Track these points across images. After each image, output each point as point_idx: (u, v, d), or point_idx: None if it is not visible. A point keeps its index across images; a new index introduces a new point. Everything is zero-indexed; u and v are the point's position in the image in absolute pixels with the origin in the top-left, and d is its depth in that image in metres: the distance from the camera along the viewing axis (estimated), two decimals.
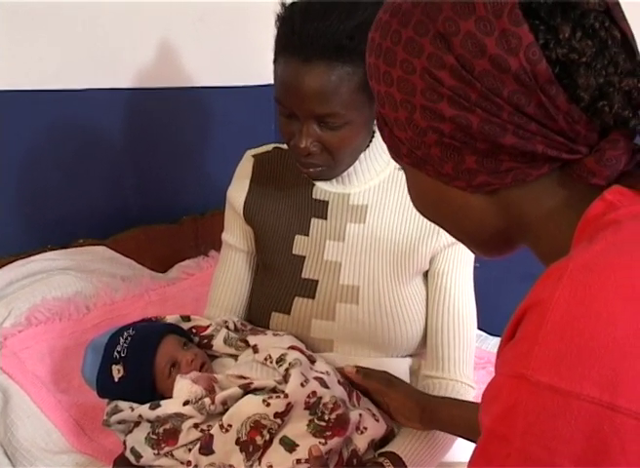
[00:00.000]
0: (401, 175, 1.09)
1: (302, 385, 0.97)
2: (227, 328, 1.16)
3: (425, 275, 1.16)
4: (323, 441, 0.94)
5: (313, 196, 1.16)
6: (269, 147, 1.23)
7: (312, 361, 1.06)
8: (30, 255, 1.60)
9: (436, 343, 1.13)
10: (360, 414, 1.01)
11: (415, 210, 0.66)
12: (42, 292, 1.49)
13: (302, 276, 1.14)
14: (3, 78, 1.52)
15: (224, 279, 1.24)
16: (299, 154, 1.03)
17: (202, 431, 0.98)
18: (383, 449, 1.04)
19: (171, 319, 1.18)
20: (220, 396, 0.99)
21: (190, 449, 0.97)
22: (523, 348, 0.47)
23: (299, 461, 0.93)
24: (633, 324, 0.45)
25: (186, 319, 1.19)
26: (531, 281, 0.52)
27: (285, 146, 1.18)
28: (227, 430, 0.95)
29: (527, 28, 0.50)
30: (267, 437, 0.94)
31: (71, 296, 1.53)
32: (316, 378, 1.00)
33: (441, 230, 0.68)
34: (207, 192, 1.99)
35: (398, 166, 0.64)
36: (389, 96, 0.57)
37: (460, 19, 0.52)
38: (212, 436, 0.95)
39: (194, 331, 1.17)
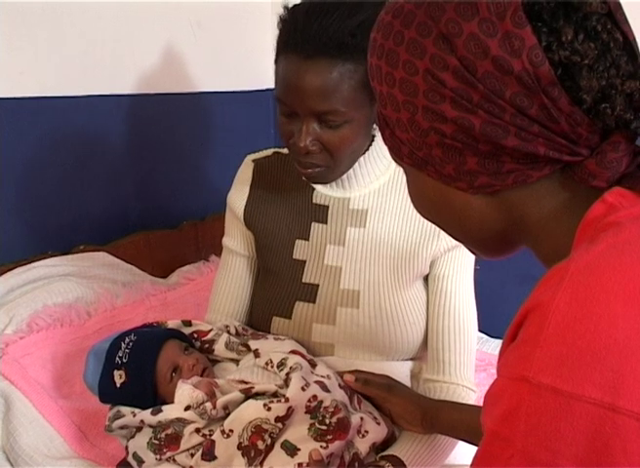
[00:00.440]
0: (401, 180, 1.09)
1: (303, 389, 0.97)
2: (229, 332, 1.16)
3: (426, 279, 1.16)
4: (324, 445, 0.94)
5: (313, 200, 1.16)
6: (269, 152, 1.23)
7: (313, 365, 1.06)
8: (31, 262, 1.61)
9: (437, 347, 1.13)
10: (361, 418, 1.01)
11: (415, 214, 0.66)
12: (43, 299, 1.50)
13: (303, 280, 1.14)
14: (3, 85, 1.53)
15: (225, 284, 1.24)
16: (298, 153, 1.02)
17: (204, 436, 0.98)
18: (385, 453, 1.04)
19: (172, 324, 1.18)
20: (221, 401, 0.98)
21: (192, 454, 0.97)
22: (525, 351, 0.48)
23: (300, 465, 0.92)
24: (634, 325, 0.45)
25: (188, 324, 1.19)
26: (532, 283, 0.52)
27: (285, 151, 1.18)
28: (229, 435, 0.95)
29: (530, 30, 0.50)
30: (269, 441, 0.94)
31: (72, 303, 1.53)
32: (317, 382, 1.00)
33: (441, 234, 0.68)
34: (207, 197, 2.00)
35: (398, 169, 0.64)
36: (391, 96, 0.57)
37: (463, 20, 0.52)
38: (213, 441, 0.95)
39: (195, 335, 1.17)
